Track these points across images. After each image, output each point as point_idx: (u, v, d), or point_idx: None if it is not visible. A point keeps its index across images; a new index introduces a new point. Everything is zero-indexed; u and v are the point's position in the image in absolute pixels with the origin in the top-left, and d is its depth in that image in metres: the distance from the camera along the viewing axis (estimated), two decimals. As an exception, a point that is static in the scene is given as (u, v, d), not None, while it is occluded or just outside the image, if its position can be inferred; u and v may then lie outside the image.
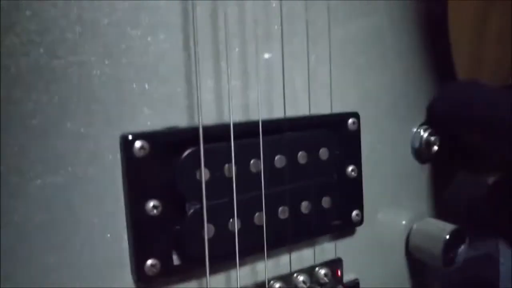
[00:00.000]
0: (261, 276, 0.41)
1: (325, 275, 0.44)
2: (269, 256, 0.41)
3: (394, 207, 0.50)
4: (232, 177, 0.38)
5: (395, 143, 0.50)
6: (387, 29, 0.48)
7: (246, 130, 0.39)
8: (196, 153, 0.36)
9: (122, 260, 0.35)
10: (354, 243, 0.47)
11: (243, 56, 0.40)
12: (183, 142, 0.37)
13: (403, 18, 0.49)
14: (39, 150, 0.32)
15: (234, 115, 0.38)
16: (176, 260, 0.37)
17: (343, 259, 0.46)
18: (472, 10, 0.54)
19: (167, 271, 0.36)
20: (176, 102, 0.37)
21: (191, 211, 0.37)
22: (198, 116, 0.36)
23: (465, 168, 0.51)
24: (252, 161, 0.39)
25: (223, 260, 0.39)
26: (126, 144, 0.34)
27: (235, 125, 0.38)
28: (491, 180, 0.53)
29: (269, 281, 0.41)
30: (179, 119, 0.37)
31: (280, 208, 0.41)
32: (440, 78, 0.52)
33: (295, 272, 0.43)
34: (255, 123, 0.39)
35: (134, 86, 0.35)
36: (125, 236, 0.35)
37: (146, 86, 0.36)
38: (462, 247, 0.49)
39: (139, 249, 0.35)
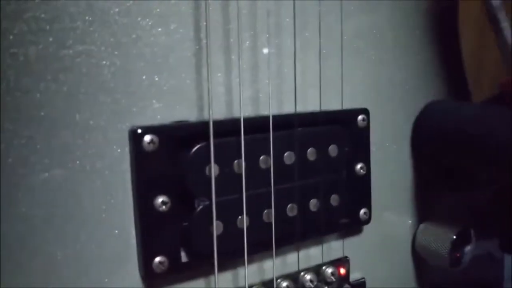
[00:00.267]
0: (269, 274, 0.41)
1: (332, 274, 0.43)
2: (276, 254, 0.40)
3: (401, 206, 0.50)
4: (241, 173, 0.37)
5: (404, 141, 0.49)
6: (399, 24, 0.47)
7: (256, 125, 0.38)
8: (206, 148, 0.36)
9: (130, 256, 0.34)
10: (361, 242, 0.47)
11: (254, 49, 0.39)
12: (192, 136, 0.36)
13: (415, 12, 0.48)
14: (47, 142, 0.31)
15: (244, 110, 0.37)
16: (184, 257, 0.36)
17: (350, 257, 0.45)
18: (480, 6, 0.54)
19: (175, 268, 0.35)
20: (186, 95, 0.36)
21: (200, 207, 0.36)
22: (209, 111, 0.35)
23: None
24: (261, 157, 0.38)
25: (231, 258, 0.38)
26: (135, 138, 0.34)
27: (245, 120, 0.37)
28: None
29: (276, 279, 0.41)
30: (188, 113, 0.36)
31: (289, 206, 0.40)
32: (450, 74, 0.51)
33: (302, 270, 0.42)
34: (266, 118, 0.38)
35: (144, 77, 0.34)
36: (133, 232, 0.34)
37: (156, 78, 0.35)
38: (469, 247, 0.49)
39: (147, 246, 0.34)
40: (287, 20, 0.40)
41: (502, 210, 0.46)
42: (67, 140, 0.32)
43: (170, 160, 0.35)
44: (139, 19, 0.34)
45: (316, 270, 0.43)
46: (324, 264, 0.44)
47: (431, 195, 0.51)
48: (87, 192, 0.33)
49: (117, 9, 0.33)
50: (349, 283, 0.45)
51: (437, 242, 0.48)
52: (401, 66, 0.48)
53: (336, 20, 0.42)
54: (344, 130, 0.43)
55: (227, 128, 0.37)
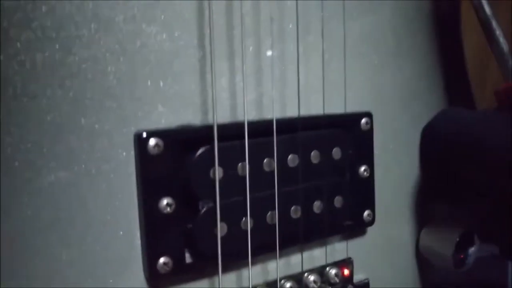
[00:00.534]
0: (273, 275, 0.41)
1: (336, 275, 0.44)
2: (280, 255, 0.41)
3: (406, 208, 0.50)
4: (245, 176, 0.38)
5: (407, 143, 0.49)
6: (401, 27, 0.48)
7: (260, 129, 0.39)
8: (210, 151, 0.36)
9: (134, 257, 0.35)
10: (365, 243, 0.47)
11: (258, 55, 0.39)
12: (197, 140, 0.36)
13: (417, 16, 0.49)
14: (53, 146, 0.32)
15: (248, 114, 0.38)
16: (188, 258, 0.37)
17: (354, 259, 0.46)
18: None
19: (179, 269, 0.36)
20: (191, 100, 0.37)
21: (204, 209, 0.37)
22: (213, 115, 0.36)
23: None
24: (265, 160, 0.39)
25: (235, 259, 0.39)
26: (140, 142, 0.34)
27: (249, 123, 0.38)
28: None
29: (280, 280, 0.41)
30: (193, 117, 0.37)
31: (293, 208, 0.41)
32: (453, 78, 0.51)
33: (306, 271, 0.43)
34: (269, 122, 0.39)
35: (149, 83, 0.35)
36: (138, 234, 0.35)
37: (161, 83, 0.36)
38: (473, 248, 0.49)
39: (152, 247, 0.35)
40: (290, 25, 0.41)
41: (502, 217, 0.46)
42: (73, 144, 0.33)
43: (175, 163, 0.36)
44: (143, 26, 0.35)
45: (320, 271, 0.44)
46: (328, 265, 0.44)
47: (436, 198, 0.51)
48: (92, 195, 0.33)
49: (122, 17, 0.34)
50: (352, 284, 0.46)
51: (441, 244, 0.49)
52: (404, 70, 0.48)
53: (339, 24, 0.43)
54: (347, 133, 0.44)
55: (231, 132, 0.38)
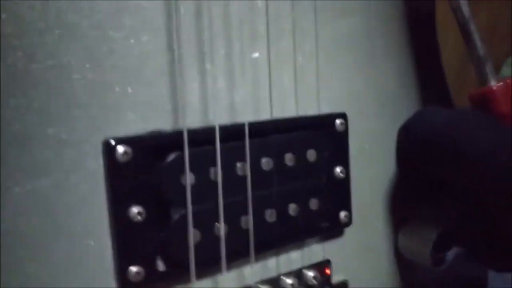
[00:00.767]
0: (249, 280, 0.41)
1: (314, 277, 0.44)
2: (257, 260, 0.40)
3: (382, 208, 0.50)
4: (217, 181, 0.38)
5: (384, 144, 0.49)
6: (376, 28, 0.47)
7: (232, 132, 0.38)
8: (181, 157, 0.36)
9: (106, 267, 0.35)
10: (343, 245, 0.47)
11: (229, 57, 0.39)
12: (167, 146, 0.36)
13: (392, 17, 0.48)
14: (18, 157, 0.31)
15: (219, 118, 0.38)
16: (161, 266, 0.37)
17: (332, 260, 0.45)
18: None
19: (152, 278, 0.36)
20: (161, 106, 0.36)
21: (176, 216, 0.36)
22: (183, 120, 0.35)
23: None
24: (238, 164, 0.39)
25: (209, 265, 0.38)
26: (108, 149, 0.34)
27: (220, 128, 0.37)
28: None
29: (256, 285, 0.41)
30: (164, 123, 0.36)
31: (268, 211, 0.40)
32: (429, 78, 0.51)
33: (283, 274, 0.43)
34: (241, 126, 0.38)
35: (117, 89, 0.35)
36: (109, 243, 0.34)
37: (129, 89, 0.35)
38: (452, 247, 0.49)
39: (123, 256, 0.34)
40: (262, 27, 0.40)
41: (474, 221, 0.46)
42: (40, 155, 0.32)
43: (145, 171, 0.35)
44: (110, 31, 0.34)
45: (298, 274, 0.43)
46: (305, 267, 0.44)
47: (413, 199, 0.51)
48: (61, 205, 0.33)
49: (87, 23, 0.33)
50: (331, 285, 0.45)
51: (419, 243, 0.49)
52: (380, 72, 0.48)
53: (312, 26, 0.43)
54: (322, 135, 0.43)
55: (202, 136, 0.37)
